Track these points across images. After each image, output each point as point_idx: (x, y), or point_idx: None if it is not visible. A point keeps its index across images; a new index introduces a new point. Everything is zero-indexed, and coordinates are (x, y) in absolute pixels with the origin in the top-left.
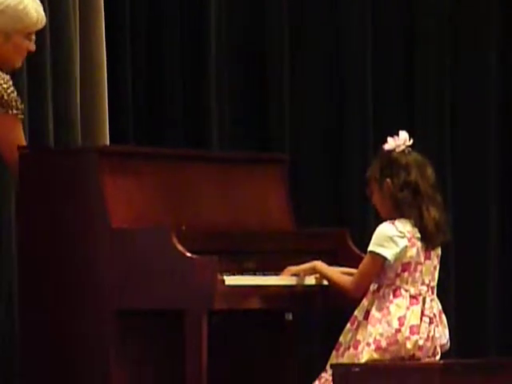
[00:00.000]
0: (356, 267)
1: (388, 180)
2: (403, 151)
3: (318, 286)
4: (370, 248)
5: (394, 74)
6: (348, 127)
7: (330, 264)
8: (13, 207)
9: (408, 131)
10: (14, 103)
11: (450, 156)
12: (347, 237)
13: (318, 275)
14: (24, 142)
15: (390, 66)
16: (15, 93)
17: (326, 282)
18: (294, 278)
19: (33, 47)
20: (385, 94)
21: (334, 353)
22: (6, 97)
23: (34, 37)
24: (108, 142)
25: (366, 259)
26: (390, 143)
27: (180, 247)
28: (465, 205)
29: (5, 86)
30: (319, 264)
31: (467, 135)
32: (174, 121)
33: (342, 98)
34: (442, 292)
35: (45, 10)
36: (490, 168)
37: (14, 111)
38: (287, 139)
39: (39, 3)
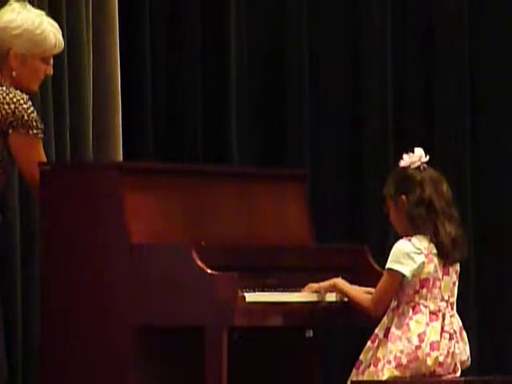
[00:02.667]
0: (376, 284)
1: (403, 197)
2: (418, 168)
3: (339, 303)
4: (388, 265)
5: (414, 84)
6: (368, 141)
7: (350, 281)
8: (17, 212)
9: (428, 146)
10: (34, 123)
11: (469, 170)
12: (367, 253)
13: (338, 293)
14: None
15: (410, 79)
16: (35, 113)
17: (346, 299)
18: (315, 295)
19: (50, 71)
20: (405, 108)
21: (354, 371)
22: (26, 117)
23: (51, 61)
24: (121, 158)
25: (384, 277)
26: (405, 160)
27: (200, 263)
28: (485, 220)
29: (25, 106)
30: (340, 282)
31: (488, 147)
32: (193, 136)
33: (361, 110)
34: (463, 308)
35: (59, 24)
36: (510, 181)
37: (35, 131)
38: (307, 154)
39: (58, 28)
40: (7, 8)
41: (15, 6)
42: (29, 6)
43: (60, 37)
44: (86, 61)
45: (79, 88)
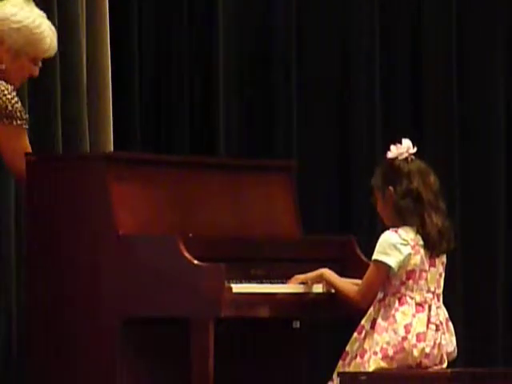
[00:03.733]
0: (363, 275)
1: (390, 188)
2: (406, 159)
3: (326, 294)
4: (374, 257)
5: (402, 75)
6: (355, 132)
7: (338, 272)
8: (12, 215)
9: (416, 137)
10: (18, 114)
11: (458, 163)
12: (354, 244)
13: (325, 283)
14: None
15: (398, 68)
16: (19, 103)
17: (333, 291)
18: (302, 286)
19: (36, 73)
20: (392, 99)
21: (340, 362)
22: (10, 107)
23: (40, 63)
24: (112, 149)
25: (371, 268)
26: (393, 151)
27: (187, 254)
28: (473, 211)
29: (9, 96)
30: (327, 272)
31: (476, 140)
32: (181, 128)
33: (349, 102)
34: (450, 300)
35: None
36: (498, 173)
37: (19, 122)
38: (295, 145)
39: (55, 33)
40: (12, 0)
41: (20, 0)
42: (32, 4)
43: (55, 42)
44: (80, 52)
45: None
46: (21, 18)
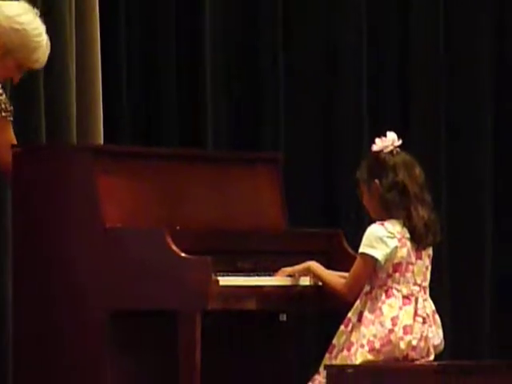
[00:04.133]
0: (350, 268)
1: (376, 181)
2: (391, 152)
3: (313, 287)
4: (361, 250)
5: (389, 72)
6: (342, 125)
7: (325, 265)
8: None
9: (402, 130)
10: (2, 106)
11: (444, 155)
12: (342, 237)
13: (312, 276)
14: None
15: (385, 62)
16: (4, 95)
17: (320, 283)
18: (289, 279)
19: (17, 79)
20: (379, 93)
21: (327, 355)
22: None
23: (22, 73)
24: (102, 142)
25: (357, 261)
26: (378, 144)
27: (174, 247)
28: (459, 205)
29: None
30: (314, 264)
31: (463, 134)
32: (168, 120)
33: (335, 95)
34: (436, 293)
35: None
36: (485, 167)
37: (3, 113)
38: (282, 139)
39: (49, 49)
40: (19, 2)
41: (26, 5)
42: (36, 11)
43: (46, 58)
44: (69, 48)
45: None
46: (24, 21)
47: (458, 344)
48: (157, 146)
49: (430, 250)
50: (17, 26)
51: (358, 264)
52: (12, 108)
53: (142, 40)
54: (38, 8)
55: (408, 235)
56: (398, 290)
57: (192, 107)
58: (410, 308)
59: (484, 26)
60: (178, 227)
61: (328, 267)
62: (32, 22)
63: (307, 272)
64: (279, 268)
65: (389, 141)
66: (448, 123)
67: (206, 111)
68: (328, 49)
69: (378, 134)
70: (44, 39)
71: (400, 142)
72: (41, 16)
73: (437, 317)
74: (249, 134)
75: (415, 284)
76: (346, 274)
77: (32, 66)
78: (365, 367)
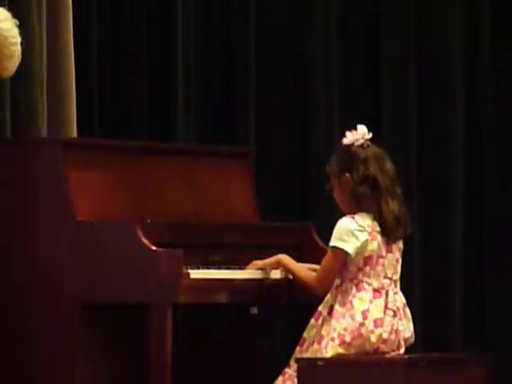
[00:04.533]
0: (321, 261)
1: (347, 175)
2: (362, 145)
3: (284, 280)
4: (331, 243)
5: (359, 62)
6: (313, 119)
7: (296, 258)
8: None
9: (374, 123)
10: None
11: (416, 147)
12: (312, 230)
13: (282, 269)
14: None
15: (355, 55)
16: None
17: (291, 276)
18: (259, 272)
19: None
20: (350, 83)
21: (298, 348)
22: None
23: None
24: (75, 134)
25: (328, 255)
26: (349, 137)
27: (145, 240)
28: (430, 197)
29: None
30: (284, 258)
31: (433, 123)
32: (139, 113)
33: (308, 86)
34: (407, 286)
35: None
36: (456, 158)
37: None
38: (253, 132)
39: (20, 60)
40: (3, 9)
41: (6, 12)
42: (16, 21)
43: (14, 70)
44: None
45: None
46: (3, 28)
47: (429, 337)
48: (127, 139)
49: (400, 243)
50: None
51: (328, 257)
52: None
53: (113, 30)
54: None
55: (378, 229)
56: (368, 284)
57: (163, 100)
58: (381, 301)
59: (457, 13)
60: (148, 220)
61: (299, 260)
62: (10, 30)
63: (278, 265)
64: (250, 261)
65: (359, 134)
66: (419, 113)
67: (177, 104)
68: (298, 42)
69: (348, 127)
70: (19, 49)
71: (370, 135)
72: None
73: (407, 310)
74: (220, 127)
75: (386, 277)
76: (316, 267)
77: (0, 73)
78: (335, 360)
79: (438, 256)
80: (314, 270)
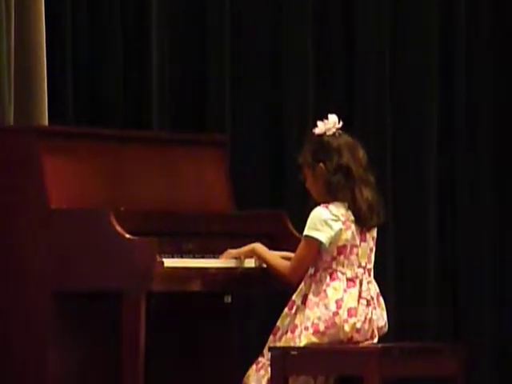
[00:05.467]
0: (295, 250)
1: (321, 165)
2: (334, 134)
3: (258, 269)
4: (305, 232)
5: (335, 49)
6: (288, 107)
7: (270, 247)
8: None
9: (348, 110)
10: None
11: (390, 135)
12: (286, 219)
13: (257, 258)
14: None
15: (331, 44)
16: None
17: (265, 265)
18: (234, 261)
19: None
20: (326, 70)
21: (271, 337)
22: None
23: None
24: (47, 123)
25: (302, 244)
26: (320, 127)
27: (119, 228)
28: (404, 186)
29: None
30: (258, 247)
31: (408, 111)
32: (113, 101)
33: (282, 74)
34: (381, 274)
35: None
36: (430, 146)
37: None
38: (227, 120)
39: None
40: None
41: None
42: None
43: None
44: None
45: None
46: None
47: (402, 326)
48: (102, 127)
49: (374, 232)
50: None
51: (302, 247)
52: None
53: (88, 15)
54: None
55: (352, 217)
56: (342, 273)
57: (137, 88)
58: (355, 290)
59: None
60: (122, 208)
61: (273, 248)
62: None
63: (252, 254)
64: (224, 250)
65: (331, 123)
66: (393, 99)
67: (151, 92)
68: (274, 27)
69: (323, 115)
70: None
71: (341, 123)
72: None
73: (381, 299)
74: (195, 116)
75: (359, 266)
76: (290, 254)
77: None
78: (309, 349)
79: (412, 243)
80: (288, 258)
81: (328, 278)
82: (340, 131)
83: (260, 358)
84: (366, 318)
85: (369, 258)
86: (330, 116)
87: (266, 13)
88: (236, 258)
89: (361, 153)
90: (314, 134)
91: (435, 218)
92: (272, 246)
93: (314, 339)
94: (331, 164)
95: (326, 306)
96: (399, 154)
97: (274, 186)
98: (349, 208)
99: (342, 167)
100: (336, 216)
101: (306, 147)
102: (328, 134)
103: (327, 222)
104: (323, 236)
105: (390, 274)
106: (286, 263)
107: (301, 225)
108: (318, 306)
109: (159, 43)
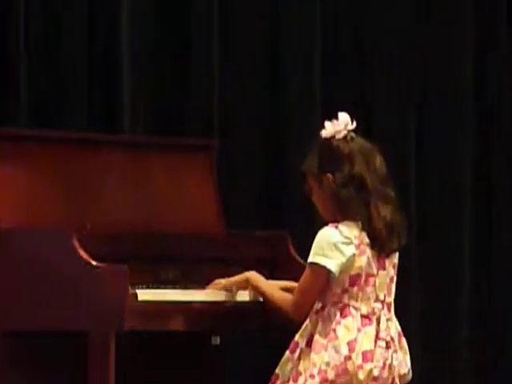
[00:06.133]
0: (298, 280)
1: (329, 175)
2: (345, 138)
3: (253, 304)
4: (311, 259)
5: (344, 39)
6: (290, 105)
7: (268, 276)
8: None
9: (363, 109)
10: None
11: (414, 140)
12: (288, 241)
13: (251, 289)
14: None
15: (338, 31)
16: None
17: (262, 299)
18: (224, 293)
19: None
20: (334, 64)
21: None
22: None
23: None
24: None
25: (307, 272)
26: (329, 129)
27: (82, 253)
28: (431, 200)
29: None
30: (253, 276)
31: (436, 113)
32: (76, 98)
33: (282, 68)
34: (404, 310)
35: None
36: (464, 154)
37: None
38: (215, 122)
39: None
40: None
41: None
42: None
43: None
44: None
45: None
46: None
47: (430, 373)
48: (62, 129)
49: (395, 258)
50: None
51: (306, 276)
52: None
53: (45, 16)
54: None
55: (367, 240)
56: (355, 308)
57: (105, 82)
58: (371, 329)
59: None
60: (87, 228)
61: (272, 278)
62: None
63: (245, 285)
64: (212, 279)
65: (341, 124)
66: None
67: (122, 86)
68: (271, 27)
69: (331, 114)
70: None
71: (354, 124)
72: None
73: (403, 340)
74: (176, 116)
75: (377, 300)
76: (293, 285)
77: None
78: None
79: (441, 272)
80: (290, 290)
81: (338, 314)
82: (353, 134)
83: None
84: (384, 364)
85: (388, 289)
86: (340, 115)
87: (262, 10)
88: (226, 290)
89: (378, 161)
90: (320, 137)
91: (470, 238)
92: (271, 275)
93: None
94: (341, 174)
95: (336, 349)
96: (425, 162)
97: (273, 201)
98: (363, 228)
99: (353, 178)
100: (348, 238)
101: (311, 153)
102: (338, 137)
103: (337, 245)
104: (332, 263)
105: (415, 310)
106: (288, 296)
107: (305, 249)
108: (326, 349)
109: (130, 27)
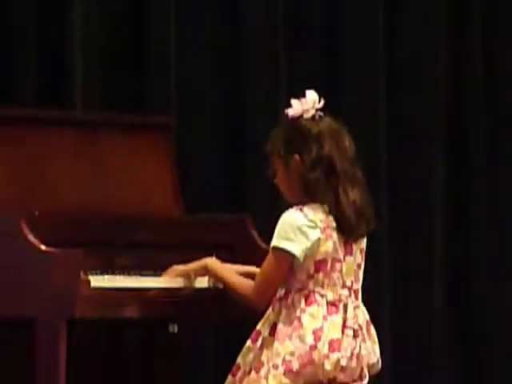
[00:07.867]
0: (260, 265)
1: (296, 156)
2: (313, 117)
3: (212, 291)
4: (274, 243)
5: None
6: (251, 83)
7: (228, 261)
8: None
9: (329, 84)
10: None
11: (385, 118)
12: (249, 225)
13: (210, 276)
14: None
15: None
16: None
17: (222, 285)
18: (181, 280)
19: None
20: (301, 39)
21: (230, 378)
22: None
23: None
24: None
25: (269, 257)
26: (296, 107)
27: (32, 238)
28: (402, 183)
29: None
30: (213, 262)
31: (408, 88)
32: (23, 72)
33: (243, 43)
34: (373, 297)
35: None
36: (437, 133)
37: None
38: (173, 98)
39: None
40: None
41: None
42: None
43: None
44: None
45: None
46: None
47: (399, 363)
48: (8, 106)
49: (362, 243)
50: None
51: (269, 261)
52: None
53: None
54: None
55: (334, 224)
56: (321, 295)
57: (55, 56)
58: (338, 318)
59: None
60: (36, 212)
61: (232, 263)
62: None
63: (204, 271)
64: (169, 266)
65: (309, 103)
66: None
67: (73, 60)
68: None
69: (298, 90)
70: None
71: (322, 103)
72: None
73: (372, 329)
74: (129, 90)
75: (344, 287)
76: (255, 270)
77: None
78: None
79: (412, 257)
80: (252, 276)
81: (303, 301)
82: (321, 113)
83: None
84: (352, 354)
85: (356, 275)
86: (307, 93)
87: None
88: (184, 277)
89: (347, 141)
90: (286, 115)
91: (442, 223)
92: (231, 260)
93: (286, 381)
94: (309, 156)
95: (301, 338)
96: (395, 146)
97: (234, 183)
98: (330, 212)
99: (322, 160)
100: (313, 222)
101: (276, 133)
102: (305, 116)
103: (302, 229)
104: (296, 247)
105: (386, 297)
106: (249, 282)
107: (268, 232)
108: (290, 338)
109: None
